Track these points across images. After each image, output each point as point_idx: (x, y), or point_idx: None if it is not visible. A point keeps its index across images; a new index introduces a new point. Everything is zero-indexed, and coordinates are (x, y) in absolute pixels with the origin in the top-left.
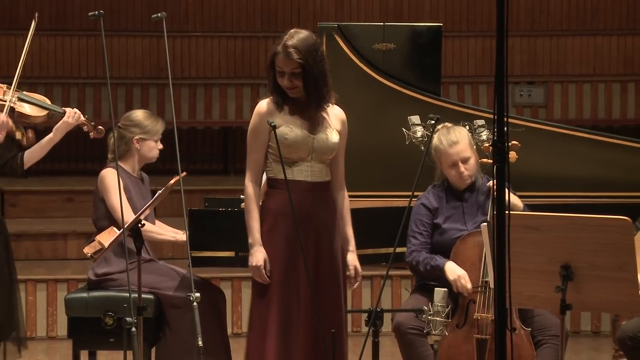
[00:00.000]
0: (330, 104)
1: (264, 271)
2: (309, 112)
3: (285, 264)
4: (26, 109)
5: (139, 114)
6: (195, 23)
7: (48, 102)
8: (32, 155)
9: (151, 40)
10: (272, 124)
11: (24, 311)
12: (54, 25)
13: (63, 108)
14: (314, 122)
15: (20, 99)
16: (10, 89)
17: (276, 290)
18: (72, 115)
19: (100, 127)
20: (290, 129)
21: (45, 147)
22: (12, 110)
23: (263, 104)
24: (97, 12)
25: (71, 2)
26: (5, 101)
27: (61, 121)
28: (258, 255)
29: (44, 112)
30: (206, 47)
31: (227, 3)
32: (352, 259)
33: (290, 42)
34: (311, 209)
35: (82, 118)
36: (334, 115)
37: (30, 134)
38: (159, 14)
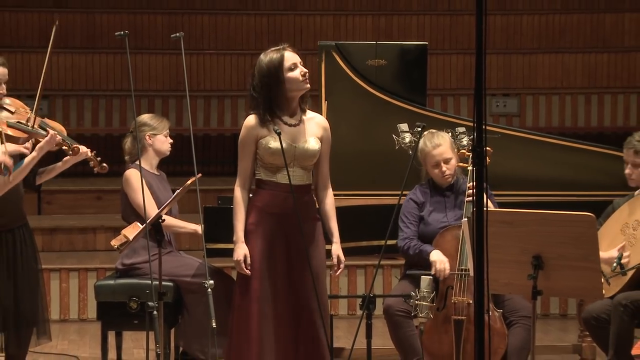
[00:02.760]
0: (308, 112)
1: (243, 265)
2: (294, 122)
3: (265, 255)
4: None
5: (144, 116)
6: (209, 42)
7: (65, 133)
8: (42, 176)
9: (170, 57)
10: (278, 131)
11: (57, 297)
12: (85, 44)
13: (74, 145)
14: (296, 132)
15: (41, 127)
16: (32, 112)
17: (256, 278)
18: (82, 154)
19: (105, 164)
20: (273, 139)
21: (53, 172)
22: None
23: (250, 119)
24: (122, 32)
25: (100, 24)
26: (31, 125)
27: (70, 158)
28: (239, 251)
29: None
30: (219, 63)
31: (238, 24)
32: (335, 249)
33: (282, 44)
34: (291, 208)
35: (90, 154)
36: (316, 123)
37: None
38: (178, 34)
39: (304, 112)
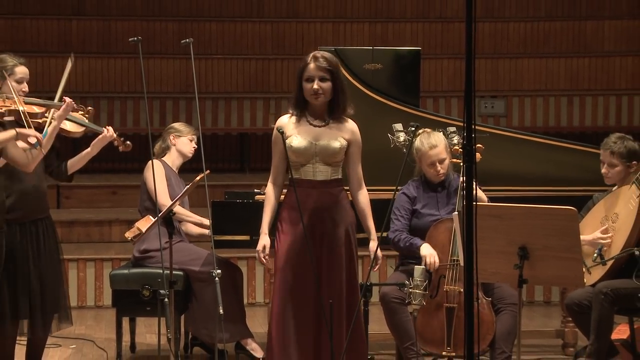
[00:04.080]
0: (344, 116)
1: (261, 255)
2: (319, 123)
3: (296, 248)
4: (67, 125)
5: (174, 123)
6: (217, 47)
7: (86, 120)
8: (73, 164)
9: (181, 61)
10: (281, 131)
11: (75, 285)
12: (100, 49)
13: (89, 108)
14: (321, 132)
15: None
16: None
17: (289, 268)
18: (108, 136)
19: (128, 142)
20: (296, 137)
21: (84, 159)
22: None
23: (281, 119)
24: (136, 38)
25: (114, 30)
26: (49, 118)
27: (97, 138)
28: (260, 242)
29: (82, 129)
30: (226, 67)
31: (244, 31)
32: (372, 246)
33: (319, 54)
34: (317, 202)
35: (114, 135)
36: (346, 127)
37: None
38: (187, 40)
39: (332, 117)
